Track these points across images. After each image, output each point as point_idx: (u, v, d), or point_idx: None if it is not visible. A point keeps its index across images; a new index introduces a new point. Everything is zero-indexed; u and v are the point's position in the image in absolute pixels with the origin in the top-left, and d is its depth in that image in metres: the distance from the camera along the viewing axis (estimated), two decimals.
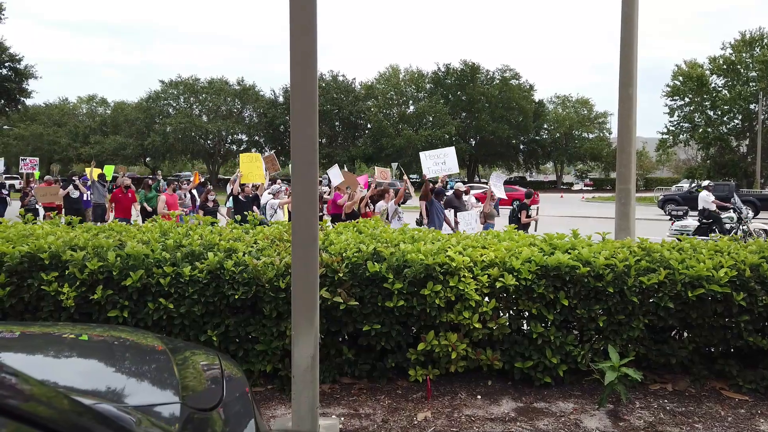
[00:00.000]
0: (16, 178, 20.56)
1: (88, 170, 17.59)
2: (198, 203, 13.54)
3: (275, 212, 10.62)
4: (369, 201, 10.98)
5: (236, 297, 3.90)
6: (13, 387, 0.95)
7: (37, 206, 14.83)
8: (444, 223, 9.60)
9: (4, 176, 23.72)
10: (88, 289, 3.93)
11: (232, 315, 4.05)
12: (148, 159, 61.04)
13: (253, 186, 12.18)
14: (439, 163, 9.50)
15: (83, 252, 4.02)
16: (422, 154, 9.80)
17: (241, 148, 59.26)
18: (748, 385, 4.21)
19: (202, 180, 17.93)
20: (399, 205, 9.94)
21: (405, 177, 12.47)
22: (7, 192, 18.71)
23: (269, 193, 12.00)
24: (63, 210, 14.80)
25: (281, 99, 55.72)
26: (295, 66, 3.03)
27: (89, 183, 15.53)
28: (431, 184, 9.91)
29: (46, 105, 63.80)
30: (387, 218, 9.67)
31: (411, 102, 58.32)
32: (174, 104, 58.73)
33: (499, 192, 10.78)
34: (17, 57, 36.63)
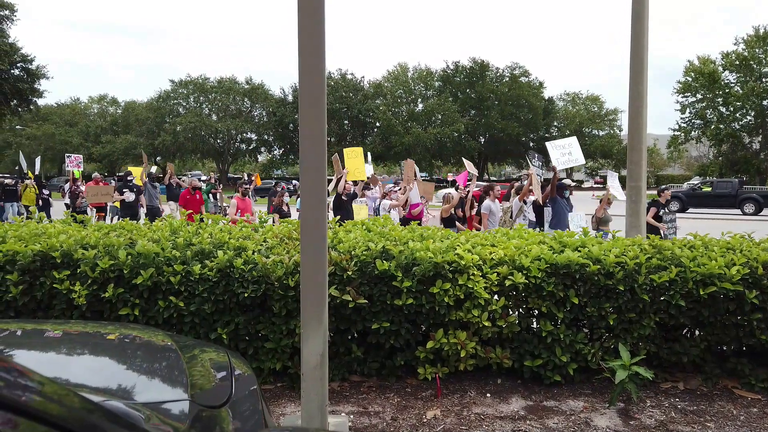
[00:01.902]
0: (28, 179, 20.11)
1: (135, 170, 16.47)
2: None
3: (389, 213, 9.80)
4: (472, 202, 9.94)
5: (246, 295, 3.92)
6: (23, 385, 0.96)
7: (87, 208, 14.19)
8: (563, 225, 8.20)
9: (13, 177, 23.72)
10: (99, 287, 3.96)
11: (242, 313, 4.07)
12: (158, 158, 61.41)
13: (352, 182, 11.30)
14: (566, 153, 8.65)
15: (95, 251, 4.05)
16: (548, 144, 8.90)
17: (251, 147, 59.53)
18: (761, 383, 4.17)
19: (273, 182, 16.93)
20: (524, 203, 8.96)
21: (418, 176, 12.08)
22: (48, 193, 18.50)
23: (384, 192, 11.29)
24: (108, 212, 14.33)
25: (290, 98, 55.80)
26: (303, 65, 3.03)
27: (137, 184, 14.62)
28: (533, 180, 8.69)
29: (58, 105, 64.39)
30: (511, 216, 8.87)
31: (420, 100, 58.19)
32: (184, 104, 59.03)
33: (619, 194, 9.26)
34: (29, 57, 36.99)
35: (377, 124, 55.32)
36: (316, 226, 3.10)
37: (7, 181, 19.76)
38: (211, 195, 17.04)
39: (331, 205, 10.95)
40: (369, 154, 13.35)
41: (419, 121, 54.65)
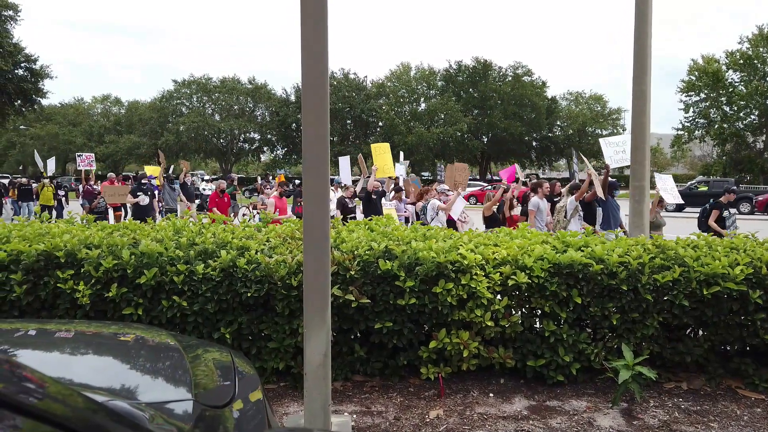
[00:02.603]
0: (45, 178, 19.75)
1: (150, 169, 15.84)
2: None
3: (437, 214, 9.21)
4: (512, 203, 9.41)
5: (249, 295, 3.92)
6: (28, 385, 0.96)
7: (105, 207, 13.82)
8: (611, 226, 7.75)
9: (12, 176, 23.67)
10: (103, 287, 3.97)
11: (245, 312, 4.08)
12: (159, 157, 61.51)
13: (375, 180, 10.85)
14: (620, 152, 8.21)
15: (98, 250, 4.06)
16: (602, 141, 8.49)
17: (254, 147, 59.58)
18: (765, 383, 4.16)
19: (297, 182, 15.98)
20: (579, 202, 8.28)
21: (408, 177, 11.77)
22: (63, 193, 18.37)
23: (435, 191, 10.66)
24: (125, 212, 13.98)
25: (293, 98, 55.82)
26: (306, 64, 3.03)
27: (154, 184, 14.25)
28: (578, 179, 8.50)
29: (62, 105, 64.56)
30: (566, 216, 8.28)
31: (422, 100, 58.14)
32: (187, 103, 59.11)
33: (672, 197, 8.55)
34: (33, 57, 37.09)
35: (380, 123, 55.28)
36: (318, 225, 3.11)
37: (22, 180, 19.74)
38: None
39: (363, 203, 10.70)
40: (402, 153, 12.83)
41: (422, 121, 54.60)
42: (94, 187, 17.73)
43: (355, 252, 4.14)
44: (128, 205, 13.46)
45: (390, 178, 11.02)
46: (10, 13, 35.17)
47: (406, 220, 10.46)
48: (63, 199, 18.16)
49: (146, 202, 12.54)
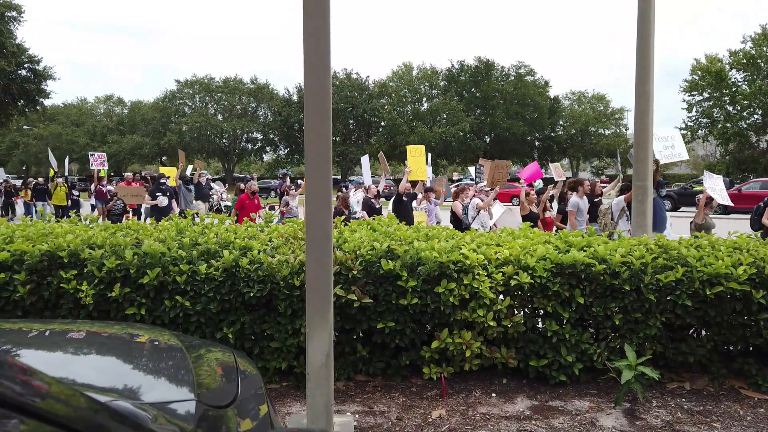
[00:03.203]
0: (59, 177, 19.25)
1: (165, 170, 15.42)
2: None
3: (478, 213, 8.79)
4: (546, 204, 9.10)
5: (251, 294, 3.93)
6: (30, 385, 0.96)
7: (127, 208, 13.52)
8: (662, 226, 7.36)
9: (7, 176, 23.53)
10: (106, 287, 3.98)
11: (248, 312, 4.08)
12: (164, 158, 61.65)
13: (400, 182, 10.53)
14: (669, 147, 7.87)
15: (101, 250, 4.07)
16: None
17: (256, 147, 59.65)
18: None
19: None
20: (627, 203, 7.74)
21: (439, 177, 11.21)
22: (77, 194, 18.20)
23: (475, 191, 10.15)
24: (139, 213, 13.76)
25: (295, 97, 55.88)
26: (308, 65, 3.03)
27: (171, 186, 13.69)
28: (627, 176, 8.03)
29: (65, 105, 64.73)
30: (612, 218, 7.93)
31: (425, 99, 58.13)
32: (189, 103, 59.26)
33: (721, 197, 8.09)
34: (36, 58, 37.19)
35: (382, 123, 55.29)
36: (321, 225, 3.11)
37: (39, 180, 19.52)
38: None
39: (390, 205, 10.32)
40: (429, 154, 12.33)
41: (424, 121, 54.59)
42: (108, 187, 17.63)
43: (358, 252, 4.14)
44: (143, 206, 13.23)
45: (422, 181, 10.68)
46: (14, 13, 35.26)
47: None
48: (77, 199, 17.98)
49: (165, 203, 12.25)
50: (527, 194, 8.97)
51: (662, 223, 7.55)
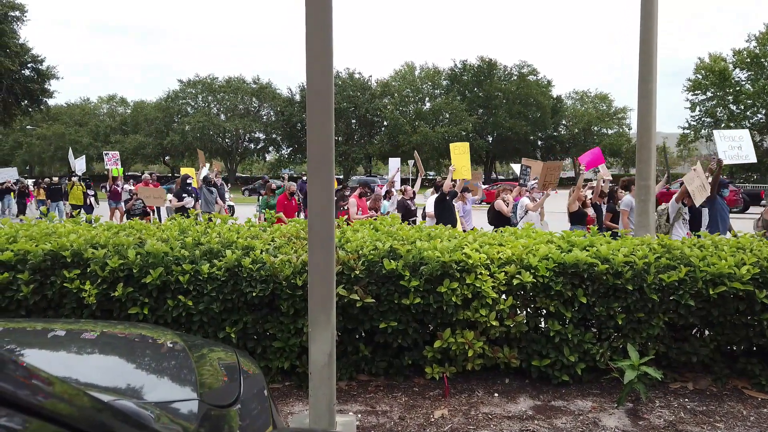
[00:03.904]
0: (75, 176, 18.52)
1: (187, 170, 14.92)
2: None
3: (525, 214, 8.41)
4: (587, 201, 8.45)
5: (254, 294, 3.93)
6: (34, 384, 0.97)
7: (147, 209, 13.18)
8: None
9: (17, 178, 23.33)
10: (109, 286, 3.99)
11: (250, 312, 4.09)
12: (167, 158, 61.79)
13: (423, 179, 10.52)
14: (735, 147, 7.40)
15: (104, 250, 4.08)
16: (717, 133, 7.62)
17: (259, 146, 59.72)
18: None
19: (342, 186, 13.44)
20: (683, 204, 7.41)
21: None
22: (93, 193, 17.94)
23: (526, 190, 9.71)
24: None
25: (298, 97, 55.95)
26: (310, 64, 3.04)
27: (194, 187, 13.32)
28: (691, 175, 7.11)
29: (68, 105, 64.88)
30: (668, 220, 7.48)
31: (427, 99, 58.14)
32: (192, 103, 59.37)
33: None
34: (39, 58, 37.28)
35: (385, 123, 55.32)
36: (323, 225, 3.11)
37: (53, 179, 19.29)
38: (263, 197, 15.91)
39: (427, 206, 9.88)
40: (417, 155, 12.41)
41: (427, 120, 54.58)
42: (124, 186, 17.29)
43: (360, 252, 4.14)
44: (163, 207, 12.87)
45: (464, 180, 10.18)
46: (17, 13, 35.36)
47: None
48: (93, 198, 17.76)
49: (191, 204, 11.88)
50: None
51: (722, 226, 7.19)
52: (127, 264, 3.98)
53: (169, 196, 12.87)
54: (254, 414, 1.86)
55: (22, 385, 0.92)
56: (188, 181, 12.60)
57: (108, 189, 17.27)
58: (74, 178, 18.03)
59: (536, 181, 9.81)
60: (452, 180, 9.26)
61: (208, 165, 14.93)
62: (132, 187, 17.82)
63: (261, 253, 4.13)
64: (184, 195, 11.95)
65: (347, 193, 12.59)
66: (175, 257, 4.05)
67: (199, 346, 2.21)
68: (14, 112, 38.58)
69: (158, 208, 14.03)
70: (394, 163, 13.43)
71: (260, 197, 15.80)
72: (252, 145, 60.01)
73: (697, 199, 7.02)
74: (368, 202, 10.49)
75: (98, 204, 18.03)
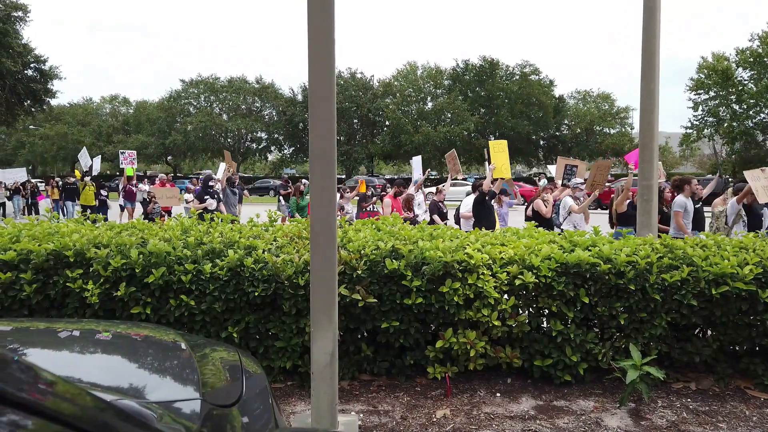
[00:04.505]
0: (87, 176, 17.86)
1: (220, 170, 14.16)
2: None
3: (569, 215, 8.02)
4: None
5: (256, 294, 3.94)
6: (36, 384, 0.97)
7: (163, 213, 12.79)
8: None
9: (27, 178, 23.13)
10: (111, 286, 4.00)
11: (252, 312, 4.09)
12: (169, 157, 61.88)
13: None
14: None
15: (107, 250, 4.09)
16: None
17: (261, 146, 59.77)
18: None
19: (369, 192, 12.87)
20: (743, 206, 7.16)
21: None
22: (106, 194, 17.50)
23: (571, 189, 9.17)
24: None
25: (300, 97, 55.94)
26: (313, 64, 3.04)
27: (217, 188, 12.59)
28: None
29: (71, 105, 64.99)
30: (726, 222, 7.29)
31: (429, 98, 58.06)
32: (195, 103, 59.42)
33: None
34: (42, 58, 37.34)
35: (387, 122, 55.28)
36: (325, 225, 3.11)
37: (69, 179, 18.87)
38: (282, 198, 15.29)
39: (462, 207, 9.54)
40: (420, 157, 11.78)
41: (429, 120, 54.54)
42: (144, 186, 17.05)
43: (362, 251, 4.14)
44: (180, 208, 12.41)
45: (502, 179, 9.71)
46: (20, 13, 35.41)
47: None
48: (105, 199, 17.30)
49: (214, 206, 11.45)
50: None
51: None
52: (129, 264, 3.99)
53: (188, 197, 12.60)
54: (256, 413, 1.87)
55: (26, 385, 0.93)
56: (210, 183, 12.13)
57: (122, 189, 16.90)
58: (86, 178, 17.55)
59: (579, 180, 9.38)
60: (492, 179, 8.81)
61: (223, 165, 14.71)
62: (147, 187, 17.45)
63: (263, 252, 4.13)
64: (206, 197, 11.55)
65: (369, 193, 12.14)
66: (177, 257, 4.06)
67: (201, 345, 2.22)
68: (17, 112, 38.63)
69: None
70: (417, 161, 12.92)
71: (280, 198, 15.38)
72: (254, 145, 60.03)
73: (761, 197, 6.91)
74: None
75: (110, 207, 17.47)
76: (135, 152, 17.64)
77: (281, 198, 15.23)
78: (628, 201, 7.72)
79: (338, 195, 11.46)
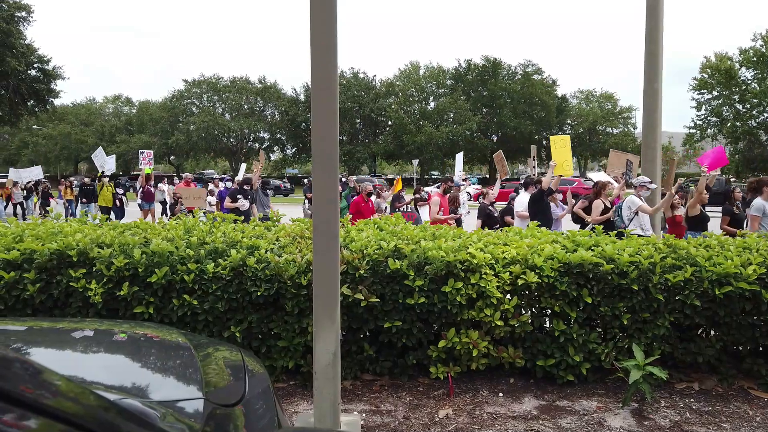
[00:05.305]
0: (105, 177, 17.32)
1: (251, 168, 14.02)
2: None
3: (636, 215, 7.09)
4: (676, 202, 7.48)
5: (258, 293, 3.94)
6: (40, 383, 0.97)
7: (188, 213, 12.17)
8: None
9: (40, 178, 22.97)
10: (114, 285, 4.00)
11: (255, 311, 4.10)
12: (172, 157, 62.00)
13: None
14: None
15: (110, 249, 4.10)
16: None
17: (264, 146, 59.86)
18: None
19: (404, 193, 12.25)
20: None
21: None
22: (123, 192, 17.17)
23: (636, 187, 8.53)
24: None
25: (302, 97, 56.05)
26: (315, 64, 3.04)
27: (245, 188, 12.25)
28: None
29: (74, 105, 65.16)
30: None
31: (432, 98, 58.09)
32: (197, 103, 59.56)
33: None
34: (45, 58, 37.43)
35: (389, 122, 55.30)
36: (328, 225, 3.11)
37: (85, 180, 18.68)
38: (308, 201, 14.62)
39: (516, 205, 9.22)
40: (534, 147, 10.88)
41: (431, 120, 54.54)
42: (163, 186, 16.83)
43: (365, 251, 4.15)
44: (203, 209, 11.83)
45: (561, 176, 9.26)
46: (23, 14, 35.51)
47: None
48: (122, 198, 16.96)
49: (246, 207, 10.99)
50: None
51: None
52: (132, 263, 4.00)
53: (211, 199, 12.41)
54: (259, 413, 1.87)
55: (29, 384, 0.93)
56: (246, 186, 11.72)
57: (141, 189, 16.60)
58: (104, 179, 17.03)
59: (646, 179, 8.75)
60: (552, 176, 8.37)
61: (244, 165, 14.48)
62: (166, 187, 17.20)
63: (266, 252, 4.13)
64: (238, 197, 11.10)
65: (403, 193, 11.67)
66: (180, 257, 4.07)
67: (204, 345, 2.22)
68: (21, 112, 38.74)
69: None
70: (460, 158, 12.45)
71: (305, 201, 14.85)
72: (256, 145, 60.11)
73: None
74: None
75: (127, 205, 17.13)
76: (152, 152, 17.32)
77: (307, 200, 14.82)
78: (700, 204, 7.34)
79: (375, 195, 11.13)
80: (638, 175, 7.09)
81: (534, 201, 8.24)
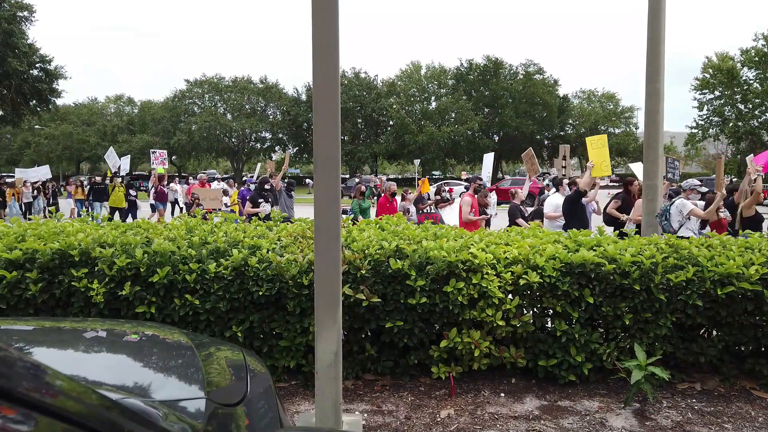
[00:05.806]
0: (117, 176, 17.03)
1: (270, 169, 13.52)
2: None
3: (688, 219, 6.83)
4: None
5: (260, 293, 3.94)
6: (43, 382, 0.97)
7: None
8: None
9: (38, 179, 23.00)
10: (116, 285, 4.01)
11: (257, 311, 4.10)
12: (174, 157, 62.06)
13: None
14: None
15: (112, 249, 4.10)
16: None
17: (265, 146, 59.92)
18: None
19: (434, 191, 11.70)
20: None
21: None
22: (135, 194, 16.71)
23: (682, 190, 8.35)
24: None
25: (304, 97, 56.09)
26: (317, 64, 3.04)
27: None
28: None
29: (76, 105, 65.27)
30: None
31: (433, 98, 58.08)
32: (199, 103, 59.66)
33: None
34: (47, 58, 37.50)
35: (391, 122, 55.31)
36: (329, 224, 3.11)
37: (96, 179, 18.34)
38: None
39: (546, 206, 8.91)
40: (567, 147, 10.60)
41: (433, 120, 54.54)
42: (172, 186, 16.52)
43: (366, 251, 4.15)
44: (219, 209, 11.82)
45: (601, 178, 9.09)
46: (25, 14, 35.58)
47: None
48: (135, 200, 16.57)
49: (268, 210, 10.50)
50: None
51: None
52: (134, 263, 4.00)
53: (225, 200, 12.35)
54: (261, 413, 1.87)
55: (31, 383, 0.93)
56: (266, 186, 11.26)
57: (154, 189, 16.37)
58: (117, 179, 16.69)
59: (696, 182, 8.48)
60: (590, 178, 8.13)
61: (260, 165, 14.35)
62: (179, 187, 16.91)
63: (267, 252, 4.14)
64: (260, 200, 10.77)
65: (430, 192, 11.52)
66: (182, 256, 4.07)
67: (206, 344, 2.22)
68: (23, 112, 38.82)
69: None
70: (489, 158, 12.29)
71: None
72: (258, 145, 60.20)
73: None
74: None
75: (139, 207, 16.74)
76: (165, 152, 17.10)
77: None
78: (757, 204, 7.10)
79: (400, 197, 10.99)
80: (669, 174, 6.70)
81: (570, 202, 7.92)
